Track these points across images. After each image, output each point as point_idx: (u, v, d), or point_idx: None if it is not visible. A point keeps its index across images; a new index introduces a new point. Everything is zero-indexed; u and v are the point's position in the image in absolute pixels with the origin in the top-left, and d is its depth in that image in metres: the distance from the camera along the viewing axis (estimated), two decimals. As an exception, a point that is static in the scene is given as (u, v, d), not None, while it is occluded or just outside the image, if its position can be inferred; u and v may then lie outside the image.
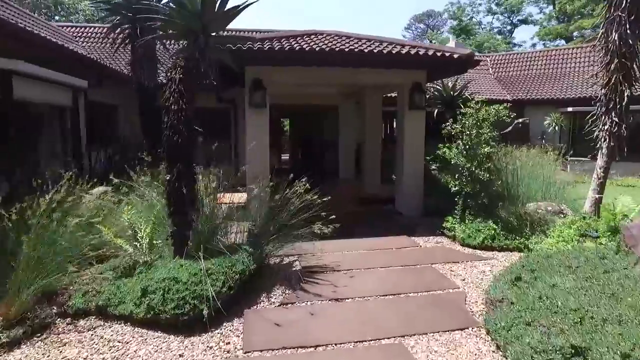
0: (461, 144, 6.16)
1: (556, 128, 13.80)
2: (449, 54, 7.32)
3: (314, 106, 13.29)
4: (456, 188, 6.08)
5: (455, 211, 6.32)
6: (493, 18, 44.87)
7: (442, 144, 11.96)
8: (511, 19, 43.53)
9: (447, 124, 6.27)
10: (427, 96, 9.27)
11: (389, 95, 11.85)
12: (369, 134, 10.42)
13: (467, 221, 6.02)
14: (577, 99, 13.93)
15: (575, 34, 34.84)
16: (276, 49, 6.75)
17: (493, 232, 5.61)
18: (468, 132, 6.01)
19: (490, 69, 19.22)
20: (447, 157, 6.28)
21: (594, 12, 32.41)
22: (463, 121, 6.16)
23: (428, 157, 11.13)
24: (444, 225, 6.33)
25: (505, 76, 18.44)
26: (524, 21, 42.94)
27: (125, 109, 11.30)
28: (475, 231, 5.71)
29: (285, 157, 20.67)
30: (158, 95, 9.55)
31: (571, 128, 14.24)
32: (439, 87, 11.94)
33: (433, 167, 11.50)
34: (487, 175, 5.78)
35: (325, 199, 4.78)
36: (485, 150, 5.85)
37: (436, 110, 12.38)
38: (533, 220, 5.82)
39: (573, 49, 16.94)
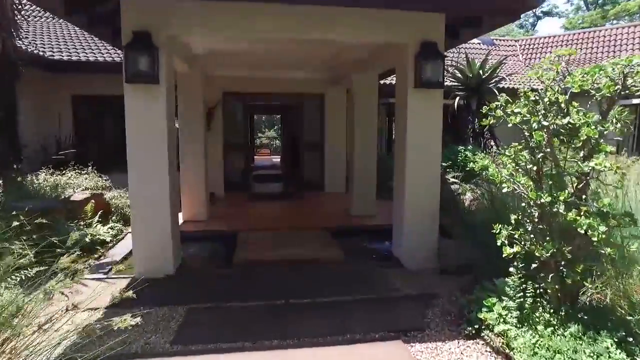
0: (523, 149, 2.81)
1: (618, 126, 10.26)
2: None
3: (295, 96, 10.00)
4: (513, 249, 2.70)
5: (508, 286, 3.01)
6: (514, 10, 41.07)
7: (463, 147, 8.60)
8: (534, 11, 39.76)
9: (496, 103, 2.89)
10: (447, 80, 5.82)
11: (392, 82, 8.56)
12: (359, 130, 7.09)
13: (539, 321, 2.68)
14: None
15: (607, 24, 30.96)
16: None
17: (616, 369, 2.27)
18: (546, 124, 2.64)
19: (520, 55, 15.80)
20: (493, 178, 2.88)
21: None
22: (528, 103, 2.80)
23: (444, 164, 7.81)
24: (482, 315, 3.01)
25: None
26: (548, 13, 39.09)
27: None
28: (567, 361, 2.37)
29: (276, 159, 19.10)
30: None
31: (637, 125, 10.69)
32: (461, 66, 8.54)
33: (451, 177, 8.15)
34: (600, 225, 2.37)
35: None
36: (591, 164, 2.48)
37: (456, 101, 9.06)
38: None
39: (631, 27, 13.31)
